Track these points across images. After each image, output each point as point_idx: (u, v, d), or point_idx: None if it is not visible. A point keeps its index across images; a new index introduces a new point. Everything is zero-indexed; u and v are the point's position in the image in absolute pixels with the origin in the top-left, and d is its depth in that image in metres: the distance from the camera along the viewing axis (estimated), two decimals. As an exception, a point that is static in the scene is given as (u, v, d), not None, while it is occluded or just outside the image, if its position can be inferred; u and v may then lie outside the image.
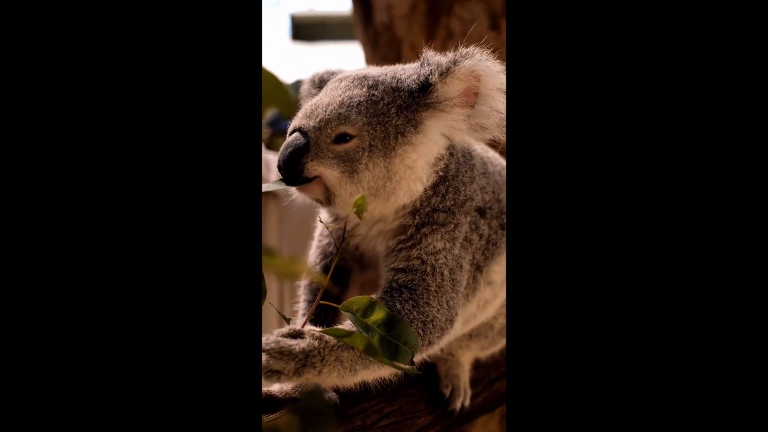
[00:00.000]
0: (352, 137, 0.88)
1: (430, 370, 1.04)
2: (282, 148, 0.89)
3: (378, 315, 0.87)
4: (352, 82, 0.91)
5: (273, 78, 0.66)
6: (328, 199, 0.91)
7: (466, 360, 1.07)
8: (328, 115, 0.88)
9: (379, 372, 0.89)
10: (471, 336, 1.06)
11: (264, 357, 0.81)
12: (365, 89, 0.89)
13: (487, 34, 1.54)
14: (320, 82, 0.99)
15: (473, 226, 0.96)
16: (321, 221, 0.99)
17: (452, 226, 0.94)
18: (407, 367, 0.86)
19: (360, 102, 0.88)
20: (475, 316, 1.02)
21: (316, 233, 1.05)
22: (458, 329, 0.98)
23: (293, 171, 0.88)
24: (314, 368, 0.83)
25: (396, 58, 1.61)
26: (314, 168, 0.88)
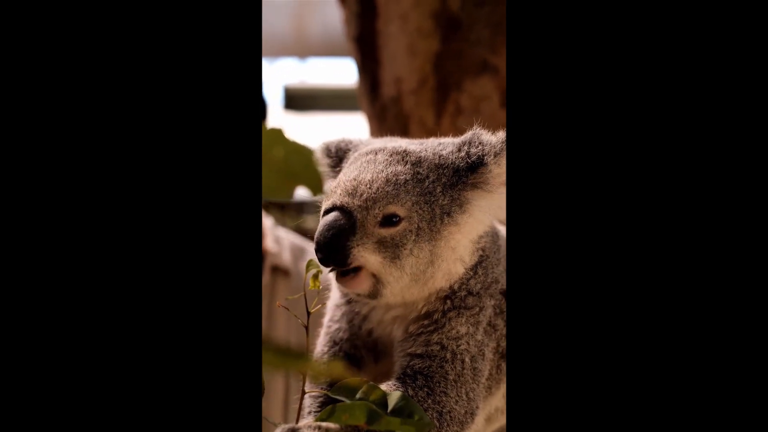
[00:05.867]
0: (400, 219, 0.80)
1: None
2: (322, 228, 0.79)
3: (377, 394, 0.78)
4: (391, 156, 0.83)
5: (303, 151, 0.59)
6: (374, 293, 0.83)
7: (485, 463, 0.99)
8: (375, 193, 0.80)
9: None
10: (492, 436, 0.97)
11: None
12: (408, 165, 0.82)
13: (499, 112, 1.51)
14: (337, 152, 0.92)
15: (498, 310, 0.90)
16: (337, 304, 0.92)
17: (477, 309, 0.87)
18: (420, 423, 0.77)
19: (406, 180, 0.81)
20: (503, 411, 0.94)
21: (326, 319, 0.97)
22: (480, 426, 0.90)
23: (336, 256, 0.79)
24: None
25: (403, 132, 1.56)
26: (360, 254, 0.80)
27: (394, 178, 0.81)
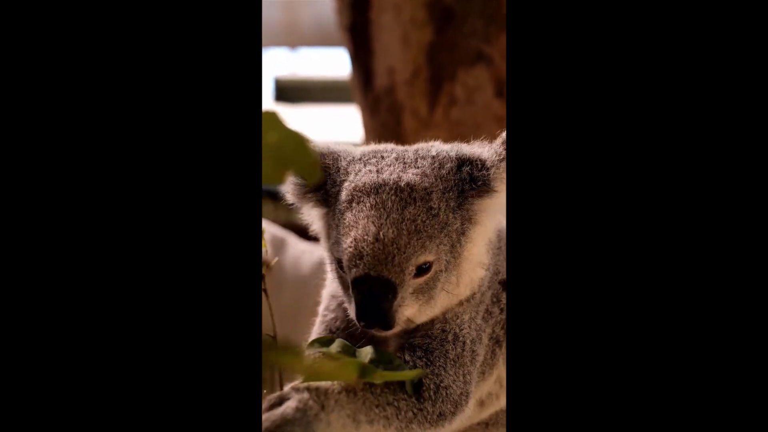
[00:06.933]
0: (430, 265, 0.80)
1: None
2: (363, 301, 0.77)
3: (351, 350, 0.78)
4: (397, 195, 0.79)
5: (295, 136, 0.58)
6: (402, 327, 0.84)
7: (480, 452, 0.98)
8: (405, 252, 0.77)
9: None
10: (487, 425, 0.97)
11: None
12: (420, 203, 0.79)
13: (492, 102, 1.51)
14: (324, 169, 0.86)
15: (494, 299, 0.91)
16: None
17: (478, 298, 0.88)
18: (414, 372, 0.77)
19: (425, 221, 0.79)
20: (498, 396, 0.94)
21: (321, 307, 0.96)
22: (473, 410, 0.90)
23: (382, 324, 0.78)
24: (320, 421, 0.72)
25: (396, 124, 1.55)
26: (403, 314, 0.79)
27: (413, 227, 0.78)
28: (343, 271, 0.81)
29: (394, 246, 0.77)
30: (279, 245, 1.63)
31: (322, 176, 0.84)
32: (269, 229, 1.68)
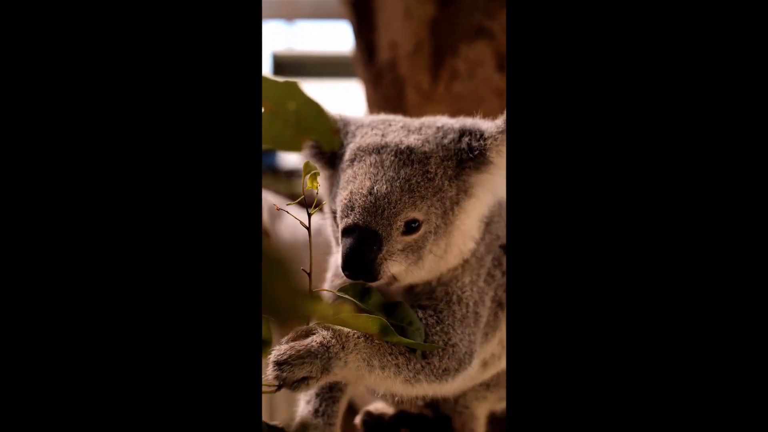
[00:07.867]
0: (420, 224, 0.83)
1: (445, 424, 0.99)
2: (348, 250, 0.81)
3: (375, 298, 0.83)
4: (397, 156, 0.84)
5: (314, 104, 0.60)
6: (389, 283, 0.87)
7: (481, 413, 1.02)
8: (395, 207, 0.81)
9: (392, 382, 0.83)
10: (489, 386, 1.01)
11: (284, 371, 0.75)
12: (417, 165, 0.83)
13: (494, 76, 1.52)
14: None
15: (496, 263, 0.94)
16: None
17: (473, 262, 0.91)
18: (426, 344, 0.82)
19: (419, 182, 0.83)
20: (500, 357, 0.98)
21: (329, 274, 0.99)
22: (477, 371, 0.94)
23: (367, 275, 0.82)
24: (339, 359, 0.77)
25: (398, 97, 1.57)
26: (388, 268, 0.83)
27: (407, 185, 0.82)
28: (337, 224, 0.85)
29: (385, 200, 0.81)
30: (275, 214, 1.67)
31: (340, 142, 0.87)
32: (266, 197, 1.71)
